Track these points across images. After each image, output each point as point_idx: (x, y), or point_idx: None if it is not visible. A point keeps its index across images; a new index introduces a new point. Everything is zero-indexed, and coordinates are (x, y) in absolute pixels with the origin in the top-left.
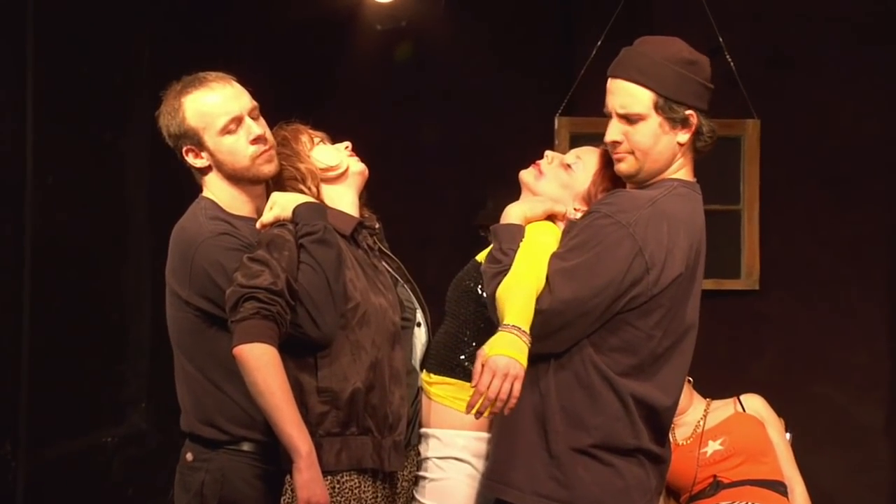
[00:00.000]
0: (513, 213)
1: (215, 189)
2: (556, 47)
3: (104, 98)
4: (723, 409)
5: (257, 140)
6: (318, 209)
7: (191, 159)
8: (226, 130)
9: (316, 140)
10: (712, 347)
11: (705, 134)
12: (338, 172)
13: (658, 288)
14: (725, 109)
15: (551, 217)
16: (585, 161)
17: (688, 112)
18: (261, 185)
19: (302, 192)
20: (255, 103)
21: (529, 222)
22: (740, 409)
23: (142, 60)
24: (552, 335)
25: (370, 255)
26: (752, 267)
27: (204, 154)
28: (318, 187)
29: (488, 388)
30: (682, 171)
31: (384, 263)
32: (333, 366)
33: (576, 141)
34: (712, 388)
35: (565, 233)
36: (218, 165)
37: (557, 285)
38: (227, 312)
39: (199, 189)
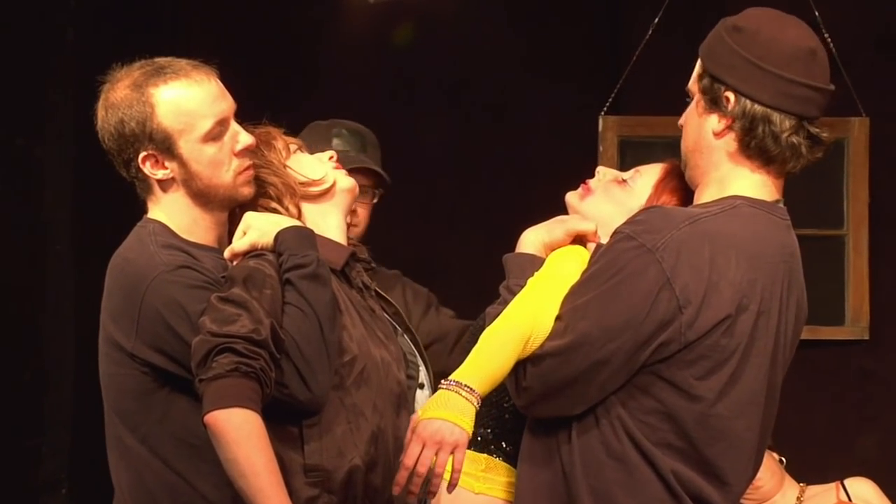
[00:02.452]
0: (528, 240)
1: (171, 209)
2: (599, 30)
3: (14, 93)
4: (822, 496)
5: (244, 152)
6: (308, 236)
7: (149, 169)
8: (210, 136)
9: (293, 148)
10: (807, 415)
11: (757, 130)
12: (322, 188)
13: (695, 332)
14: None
15: (580, 239)
16: (645, 174)
17: (725, 91)
18: (228, 211)
19: (277, 212)
20: (234, 103)
21: (552, 249)
22: (844, 498)
23: (63, 43)
24: (560, 391)
25: (365, 297)
26: (859, 310)
27: (170, 164)
28: (297, 207)
29: (417, 461)
30: (747, 184)
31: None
32: (325, 438)
33: (625, 146)
34: (808, 470)
35: (590, 259)
36: (187, 179)
37: (564, 326)
38: (193, 368)
39: (143, 208)
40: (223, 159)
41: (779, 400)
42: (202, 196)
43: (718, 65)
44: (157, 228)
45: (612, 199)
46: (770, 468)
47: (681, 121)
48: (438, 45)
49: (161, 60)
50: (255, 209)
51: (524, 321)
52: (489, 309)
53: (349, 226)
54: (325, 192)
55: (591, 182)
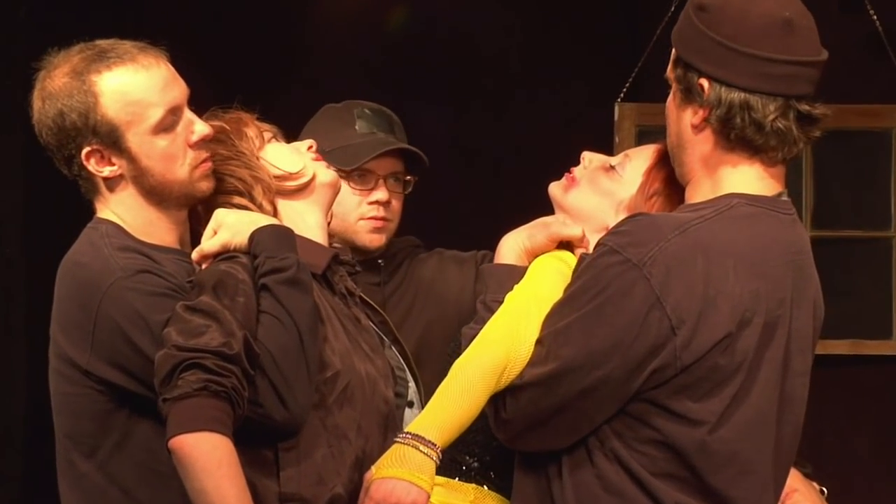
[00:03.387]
0: (507, 248)
1: (122, 210)
2: (616, 11)
3: None
4: None
5: (200, 143)
6: (286, 236)
7: (93, 166)
8: (161, 127)
9: (267, 136)
10: (850, 440)
11: (735, 119)
12: (300, 182)
13: (691, 355)
14: (867, 90)
15: (566, 244)
16: (635, 160)
17: (699, 79)
18: (187, 209)
19: (248, 210)
20: (188, 89)
21: (535, 255)
22: None
23: (15, 22)
24: (545, 423)
25: (349, 304)
26: None
27: (118, 159)
28: (272, 203)
29: None
30: (743, 179)
31: (366, 316)
32: (303, 463)
33: (643, 136)
34: (852, 501)
35: (573, 273)
36: (137, 176)
37: (546, 352)
38: (156, 386)
39: (93, 208)
40: (177, 152)
41: (803, 414)
42: (156, 194)
43: (688, 50)
44: (110, 230)
45: (599, 189)
46: (809, 498)
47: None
48: (439, 27)
49: (103, 43)
50: (214, 207)
51: (498, 349)
52: (465, 329)
53: (384, 220)
54: (303, 186)
55: (576, 170)
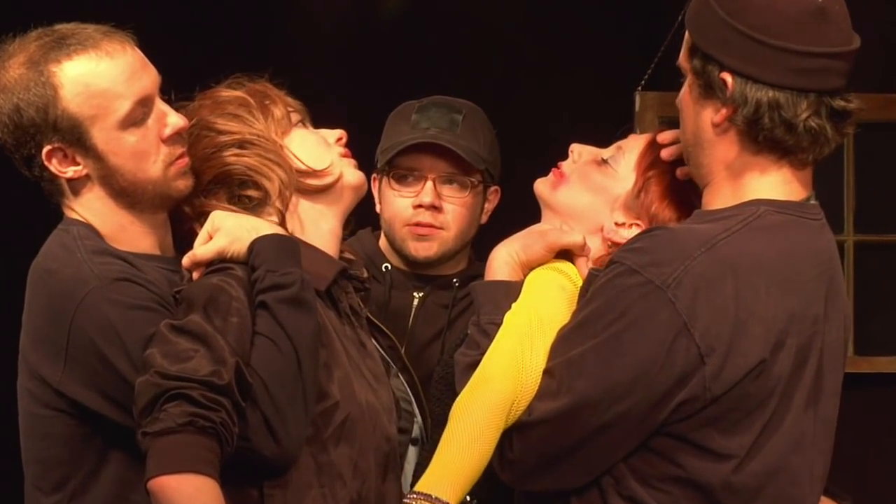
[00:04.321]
0: (500, 261)
1: (91, 214)
2: None
3: None
4: None
5: (174, 137)
6: (291, 248)
7: (56, 166)
8: (130, 121)
9: (294, 118)
10: (892, 468)
11: (763, 119)
12: (324, 182)
13: (721, 385)
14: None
15: (566, 253)
16: (629, 152)
17: (721, 73)
18: (164, 211)
19: (260, 205)
20: (159, 77)
21: (531, 268)
22: None
23: None
24: (556, 463)
25: (355, 326)
26: None
27: (83, 158)
28: (286, 202)
29: None
30: (768, 184)
31: (372, 339)
32: None
33: (665, 126)
34: None
35: (582, 291)
36: (105, 176)
37: (557, 384)
38: (136, 416)
39: (59, 211)
40: (148, 148)
41: (833, 437)
42: (127, 195)
43: (708, 40)
44: (82, 232)
45: (590, 185)
46: None
47: (678, 99)
48: (445, 12)
49: (62, 28)
50: (203, 201)
51: (504, 383)
52: (457, 355)
53: (431, 227)
54: (326, 186)
55: (565, 165)
